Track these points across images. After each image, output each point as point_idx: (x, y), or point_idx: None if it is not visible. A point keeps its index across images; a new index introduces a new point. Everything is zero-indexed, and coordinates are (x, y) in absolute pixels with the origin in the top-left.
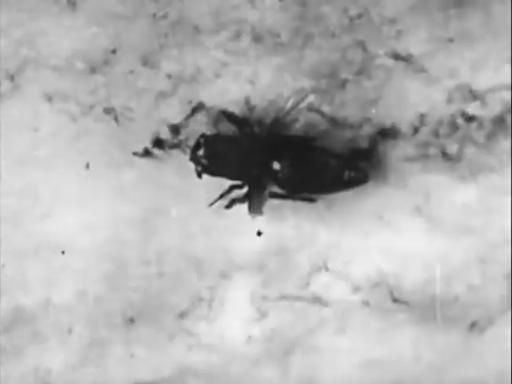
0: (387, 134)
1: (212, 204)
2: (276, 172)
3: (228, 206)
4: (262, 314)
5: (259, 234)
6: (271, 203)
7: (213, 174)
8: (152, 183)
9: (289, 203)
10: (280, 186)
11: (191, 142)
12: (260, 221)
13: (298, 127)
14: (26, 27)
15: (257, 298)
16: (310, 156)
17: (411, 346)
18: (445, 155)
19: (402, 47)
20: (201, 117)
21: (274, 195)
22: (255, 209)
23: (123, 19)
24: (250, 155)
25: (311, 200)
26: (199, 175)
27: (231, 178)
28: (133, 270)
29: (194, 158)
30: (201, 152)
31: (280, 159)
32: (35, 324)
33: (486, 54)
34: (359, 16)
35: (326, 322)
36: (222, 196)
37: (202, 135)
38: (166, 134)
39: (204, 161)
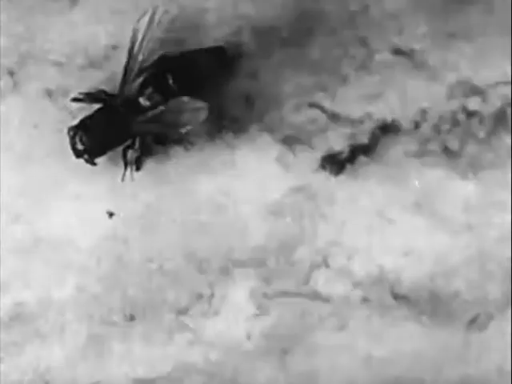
0: (388, 129)
1: (124, 177)
2: None
3: (138, 168)
4: (262, 311)
5: (111, 215)
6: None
7: (101, 153)
8: (152, 180)
9: (289, 200)
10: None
11: (192, 139)
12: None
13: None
14: (26, 23)
15: (257, 294)
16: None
17: (411, 342)
18: (446, 151)
19: (403, 43)
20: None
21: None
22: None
23: (124, 15)
24: (120, 119)
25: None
26: (92, 163)
27: (118, 145)
28: (133, 267)
29: (77, 152)
30: (78, 143)
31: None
32: (35, 321)
33: (486, 49)
34: (360, 12)
35: (326, 318)
36: (126, 165)
37: (69, 128)
38: None
39: (85, 147)
